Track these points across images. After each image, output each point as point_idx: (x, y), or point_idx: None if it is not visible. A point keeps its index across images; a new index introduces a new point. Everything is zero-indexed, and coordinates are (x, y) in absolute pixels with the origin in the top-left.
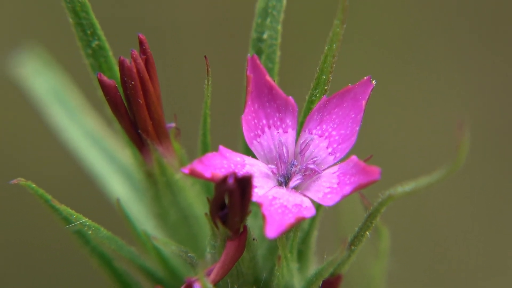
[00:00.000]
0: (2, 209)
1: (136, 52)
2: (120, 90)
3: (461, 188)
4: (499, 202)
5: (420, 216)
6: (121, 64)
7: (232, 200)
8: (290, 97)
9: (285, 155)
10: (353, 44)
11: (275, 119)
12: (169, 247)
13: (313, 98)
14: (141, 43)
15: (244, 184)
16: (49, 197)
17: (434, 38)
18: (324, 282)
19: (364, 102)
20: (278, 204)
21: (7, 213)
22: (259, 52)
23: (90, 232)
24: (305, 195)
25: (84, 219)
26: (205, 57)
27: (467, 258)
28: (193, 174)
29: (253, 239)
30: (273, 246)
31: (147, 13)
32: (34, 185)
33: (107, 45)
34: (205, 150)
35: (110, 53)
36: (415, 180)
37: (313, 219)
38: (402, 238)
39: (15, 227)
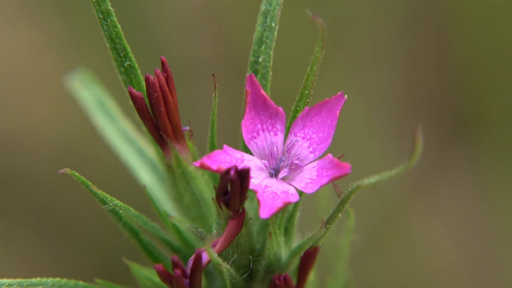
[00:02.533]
0: (61, 191)
1: (158, 71)
2: (146, 100)
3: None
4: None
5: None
6: (147, 79)
7: (233, 188)
8: (280, 107)
9: (275, 152)
10: (329, 65)
11: (268, 124)
12: (183, 224)
13: (297, 108)
14: (163, 63)
15: (243, 175)
16: (89, 183)
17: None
18: (305, 253)
19: (338, 112)
20: (269, 191)
21: (66, 195)
22: (255, 72)
23: (121, 211)
24: (291, 184)
25: (117, 201)
26: (213, 75)
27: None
28: (203, 167)
29: (250, 219)
30: (265, 224)
31: (170, 42)
32: (77, 174)
33: (136, 65)
34: (212, 148)
35: (139, 71)
36: (378, 174)
37: (296, 203)
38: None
39: (72, 205)
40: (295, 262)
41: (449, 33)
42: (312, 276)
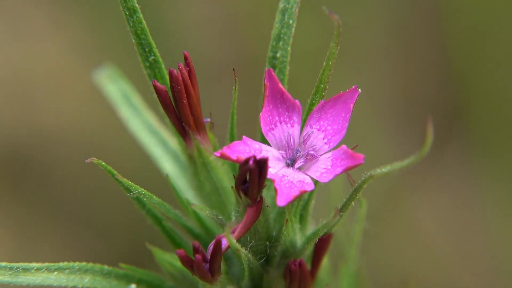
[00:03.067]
0: (89, 180)
1: (182, 65)
2: (169, 93)
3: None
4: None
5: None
6: (170, 73)
7: (251, 177)
8: (297, 100)
9: (292, 143)
10: (344, 60)
11: (285, 116)
12: (204, 211)
13: (313, 101)
14: (185, 58)
15: (261, 165)
16: (115, 172)
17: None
18: (319, 239)
19: (352, 105)
20: (286, 181)
21: (93, 183)
22: (273, 67)
23: (145, 198)
24: (306, 174)
25: (140, 189)
26: (233, 69)
27: None
28: (223, 157)
29: (267, 206)
30: (281, 211)
31: (191, 45)
32: (103, 163)
33: (160, 60)
34: (232, 139)
35: (163, 66)
36: (390, 164)
37: (311, 192)
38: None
39: (98, 194)
40: (310, 248)
41: (445, 31)
42: (325, 261)
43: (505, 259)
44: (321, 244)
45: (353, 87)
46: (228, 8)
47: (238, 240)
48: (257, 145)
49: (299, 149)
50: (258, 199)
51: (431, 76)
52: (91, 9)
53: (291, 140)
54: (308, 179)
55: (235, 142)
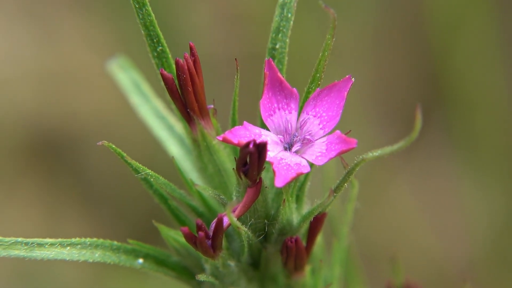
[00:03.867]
0: (101, 162)
1: (187, 55)
2: (176, 81)
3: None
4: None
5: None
6: (177, 63)
7: (251, 159)
8: (294, 88)
9: (290, 129)
10: (338, 51)
11: (283, 103)
12: (207, 191)
13: (310, 89)
14: (191, 48)
15: (261, 148)
16: (124, 154)
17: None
18: (314, 218)
19: (345, 93)
20: (284, 163)
21: (107, 164)
22: (273, 57)
23: (152, 179)
24: (303, 157)
25: (148, 170)
26: (236, 59)
27: None
28: (225, 140)
29: (265, 187)
30: (279, 192)
31: (196, 42)
32: (113, 146)
33: (167, 50)
34: (233, 124)
35: (170, 56)
36: (381, 149)
37: (307, 174)
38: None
39: (108, 175)
40: (305, 226)
41: (423, 28)
42: (319, 238)
43: (476, 230)
44: (316, 223)
45: (346, 76)
46: (235, 8)
47: (239, 219)
48: (257, 130)
49: (296, 134)
50: (258, 180)
51: (412, 69)
52: (112, 11)
53: (289, 125)
54: (304, 162)
55: (237, 127)
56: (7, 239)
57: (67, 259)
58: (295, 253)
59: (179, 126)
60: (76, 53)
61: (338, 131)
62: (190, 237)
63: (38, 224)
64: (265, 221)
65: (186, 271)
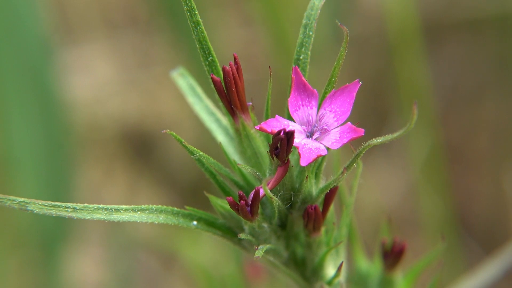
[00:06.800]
0: (170, 148)
1: (232, 63)
2: (223, 84)
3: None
4: None
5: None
6: (223, 69)
7: (281, 144)
8: (315, 89)
9: (311, 121)
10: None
11: (306, 101)
12: (246, 169)
13: (326, 90)
14: (235, 58)
15: (289, 135)
16: (182, 140)
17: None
18: (329, 190)
19: (354, 93)
20: (307, 147)
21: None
22: (298, 65)
23: (204, 160)
24: (321, 143)
25: (201, 153)
26: (269, 67)
27: None
28: (261, 130)
29: (292, 166)
30: (302, 170)
31: (243, 50)
32: (174, 133)
33: (216, 59)
34: (267, 117)
35: (218, 64)
36: (383, 136)
37: (324, 156)
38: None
39: (173, 158)
40: (322, 197)
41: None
42: (332, 206)
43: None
44: (330, 194)
45: (355, 80)
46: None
47: (271, 190)
48: (285, 121)
49: (316, 125)
50: (286, 161)
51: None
52: (180, 35)
53: (310, 118)
54: (322, 147)
55: (270, 119)
56: (90, 205)
57: (138, 221)
58: (314, 218)
59: (224, 119)
60: (150, 67)
61: (349, 123)
62: (233, 205)
63: (122, 196)
64: (291, 192)
65: (230, 231)
